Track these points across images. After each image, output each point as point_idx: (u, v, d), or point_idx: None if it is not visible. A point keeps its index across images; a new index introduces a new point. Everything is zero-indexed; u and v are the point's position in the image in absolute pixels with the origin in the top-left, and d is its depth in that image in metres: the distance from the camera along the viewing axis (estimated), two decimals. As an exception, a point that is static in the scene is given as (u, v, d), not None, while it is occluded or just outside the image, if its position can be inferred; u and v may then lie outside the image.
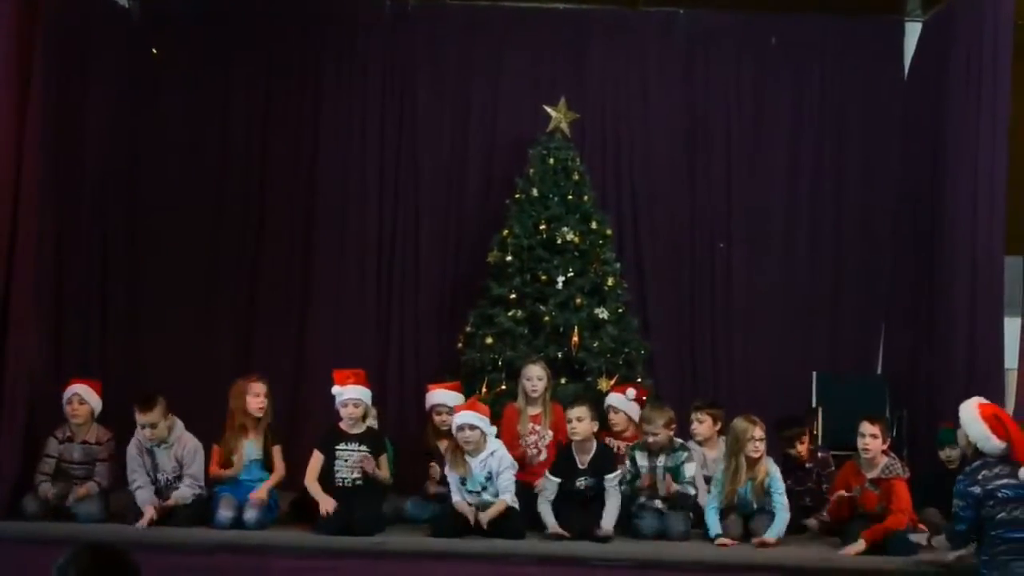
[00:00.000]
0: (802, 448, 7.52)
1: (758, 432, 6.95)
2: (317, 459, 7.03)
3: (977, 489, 5.89)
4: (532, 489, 7.08)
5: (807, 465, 7.51)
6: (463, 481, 6.90)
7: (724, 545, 6.78)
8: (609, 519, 6.86)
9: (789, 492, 7.17)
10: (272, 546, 6.69)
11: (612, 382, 8.14)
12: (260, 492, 7.00)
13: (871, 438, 6.80)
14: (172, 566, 6.24)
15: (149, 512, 6.75)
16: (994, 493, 5.85)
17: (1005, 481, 5.87)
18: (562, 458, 7.14)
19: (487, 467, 6.87)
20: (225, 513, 6.85)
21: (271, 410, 7.29)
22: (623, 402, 7.72)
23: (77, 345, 8.18)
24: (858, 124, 9.72)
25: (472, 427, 6.86)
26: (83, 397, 7.15)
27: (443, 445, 7.29)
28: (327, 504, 6.86)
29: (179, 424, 7.07)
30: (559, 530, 6.81)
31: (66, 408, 7.12)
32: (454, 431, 6.92)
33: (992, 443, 5.97)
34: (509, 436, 7.39)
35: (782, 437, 7.55)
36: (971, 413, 6.09)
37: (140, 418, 6.91)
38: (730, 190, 9.67)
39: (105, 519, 6.96)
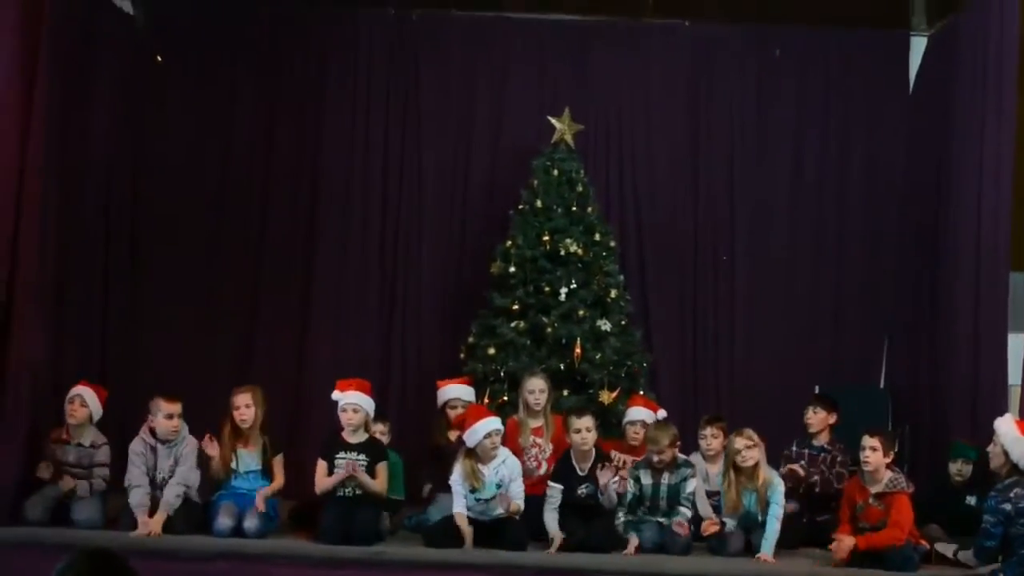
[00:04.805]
0: (814, 419, 7.70)
1: (739, 442, 6.96)
2: (322, 467, 6.96)
3: (1008, 507, 5.90)
4: (533, 501, 7.05)
5: (825, 445, 7.66)
6: (472, 489, 6.86)
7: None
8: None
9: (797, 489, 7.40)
10: (271, 555, 6.66)
11: (615, 395, 8.11)
12: (257, 502, 6.94)
13: (871, 451, 6.77)
14: (171, 573, 6.22)
15: (144, 528, 6.71)
16: None
17: None
18: (562, 465, 7.13)
19: (499, 474, 6.85)
20: (225, 521, 6.82)
21: (263, 418, 7.17)
22: (653, 420, 7.63)
23: (78, 347, 8.16)
24: (862, 138, 9.71)
25: (498, 432, 6.88)
26: (85, 400, 7.12)
27: (454, 436, 7.29)
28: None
29: (185, 426, 7.09)
30: (559, 544, 6.81)
31: (67, 407, 7.10)
32: (475, 440, 6.79)
33: None
34: (511, 449, 7.35)
35: (811, 403, 7.86)
36: (1013, 431, 6.09)
37: (167, 407, 6.92)
38: (733, 202, 9.66)
39: (104, 525, 6.93)
